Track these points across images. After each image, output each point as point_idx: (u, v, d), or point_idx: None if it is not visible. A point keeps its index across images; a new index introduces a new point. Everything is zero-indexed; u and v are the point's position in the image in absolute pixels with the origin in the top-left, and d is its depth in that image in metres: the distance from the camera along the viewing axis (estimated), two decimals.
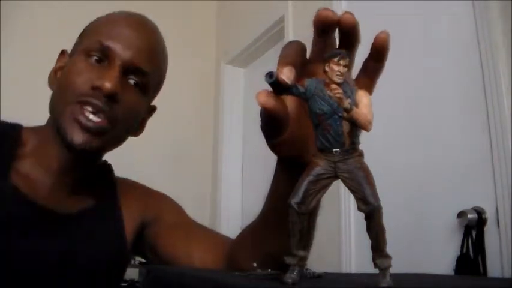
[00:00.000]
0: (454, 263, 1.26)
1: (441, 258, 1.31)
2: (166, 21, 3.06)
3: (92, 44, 0.71)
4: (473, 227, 1.24)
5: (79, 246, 0.70)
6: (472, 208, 1.25)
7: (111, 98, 0.68)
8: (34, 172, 0.71)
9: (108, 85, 0.66)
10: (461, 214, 1.26)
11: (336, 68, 0.33)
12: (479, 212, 1.24)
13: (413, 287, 0.36)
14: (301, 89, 0.34)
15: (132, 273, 2.04)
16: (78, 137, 0.67)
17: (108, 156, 0.80)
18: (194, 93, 3.01)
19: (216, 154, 2.90)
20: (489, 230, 1.22)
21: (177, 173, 2.77)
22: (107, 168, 0.84)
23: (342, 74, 0.33)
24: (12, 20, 2.46)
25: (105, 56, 0.70)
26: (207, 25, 3.18)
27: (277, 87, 0.35)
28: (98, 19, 0.77)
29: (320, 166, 0.33)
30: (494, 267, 1.18)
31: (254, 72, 2.83)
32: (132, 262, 0.88)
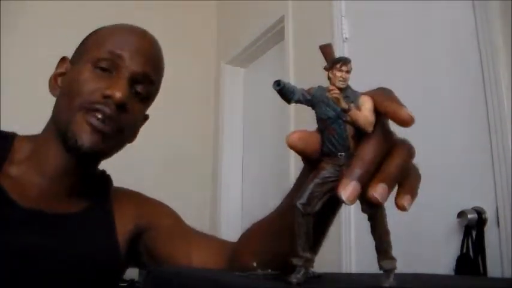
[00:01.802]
0: (454, 263, 1.26)
1: (441, 258, 1.31)
2: (167, 21, 3.08)
3: (101, 54, 0.72)
4: (473, 227, 1.24)
5: (64, 245, 0.70)
6: (472, 208, 1.25)
7: (121, 107, 0.70)
8: (26, 176, 0.72)
9: (119, 94, 0.68)
10: (461, 214, 1.26)
11: (338, 74, 0.34)
12: (479, 212, 1.24)
13: (414, 287, 0.36)
14: (308, 96, 0.35)
15: (132, 273, 2.04)
16: (88, 139, 0.68)
17: (109, 158, 0.81)
18: (194, 93, 3.01)
19: (216, 154, 2.90)
20: (489, 230, 1.22)
21: (177, 173, 2.77)
22: (105, 178, 0.85)
23: (344, 80, 0.34)
24: (12, 19, 2.46)
25: (114, 65, 0.71)
26: (207, 25, 3.18)
27: (284, 94, 0.35)
28: (101, 30, 0.78)
29: (326, 170, 0.34)
30: (494, 267, 1.18)
31: (254, 72, 2.82)
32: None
